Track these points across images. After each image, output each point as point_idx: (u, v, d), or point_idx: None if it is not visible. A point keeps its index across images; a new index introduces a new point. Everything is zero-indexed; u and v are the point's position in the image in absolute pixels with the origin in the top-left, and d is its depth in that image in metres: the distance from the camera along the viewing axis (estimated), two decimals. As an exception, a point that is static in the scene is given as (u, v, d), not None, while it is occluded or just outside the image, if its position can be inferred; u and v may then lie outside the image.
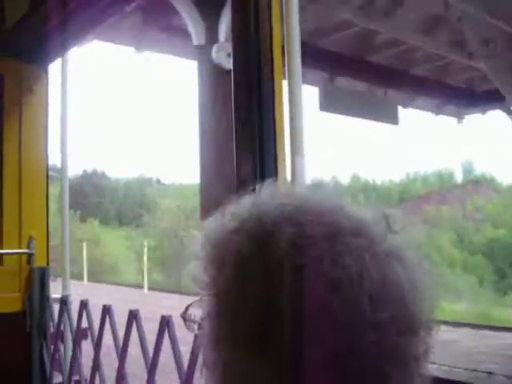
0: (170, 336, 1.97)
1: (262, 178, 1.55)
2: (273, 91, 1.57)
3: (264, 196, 0.65)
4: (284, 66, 1.64)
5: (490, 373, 1.29)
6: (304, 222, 0.59)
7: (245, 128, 1.60)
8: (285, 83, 1.65)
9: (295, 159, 1.68)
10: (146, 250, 20.50)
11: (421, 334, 0.61)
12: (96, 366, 2.40)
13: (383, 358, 0.57)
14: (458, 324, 10.05)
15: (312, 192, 0.67)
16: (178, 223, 27.85)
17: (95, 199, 40.52)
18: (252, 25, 1.60)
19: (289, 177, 1.62)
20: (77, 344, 2.58)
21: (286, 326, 0.56)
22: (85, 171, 43.93)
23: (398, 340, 0.58)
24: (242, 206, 0.64)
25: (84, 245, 22.39)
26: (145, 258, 20.00)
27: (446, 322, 9.39)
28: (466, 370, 1.38)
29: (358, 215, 0.62)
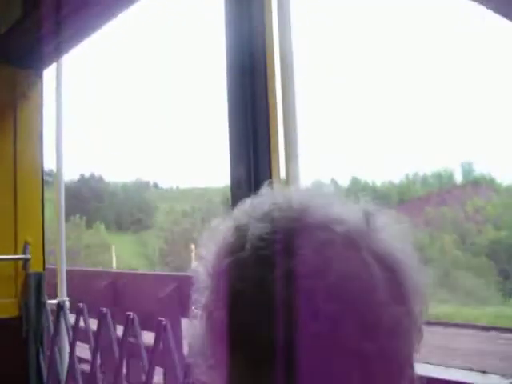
0: (163, 342, 1.96)
1: (257, 180, 1.55)
2: (266, 92, 1.57)
3: (260, 197, 0.68)
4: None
5: None
6: (277, 218, 0.62)
7: (239, 130, 1.60)
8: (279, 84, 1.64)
9: (289, 161, 1.67)
10: (193, 254, 18.90)
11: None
12: (93, 372, 2.39)
13: (341, 355, 0.57)
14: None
15: (302, 193, 0.70)
16: (193, 225, 27.24)
17: (95, 204, 40.52)
18: (246, 28, 1.60)
19: (284, 179, 1.61)
20: (73, 349, 2.57)
21: (252, 317, 0.59)
22: (82, 175, 44.02)
23: (359, 337, 0.57)
24: (241, 207, 0.68)
25: (113, 248, 21.64)
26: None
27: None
28: None
29: (336, 212, 0.63)
